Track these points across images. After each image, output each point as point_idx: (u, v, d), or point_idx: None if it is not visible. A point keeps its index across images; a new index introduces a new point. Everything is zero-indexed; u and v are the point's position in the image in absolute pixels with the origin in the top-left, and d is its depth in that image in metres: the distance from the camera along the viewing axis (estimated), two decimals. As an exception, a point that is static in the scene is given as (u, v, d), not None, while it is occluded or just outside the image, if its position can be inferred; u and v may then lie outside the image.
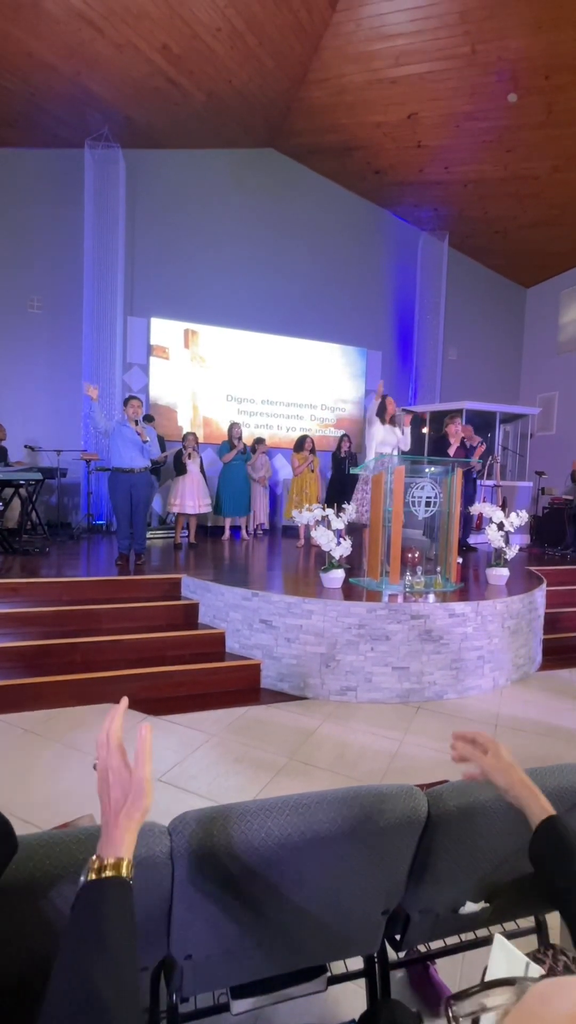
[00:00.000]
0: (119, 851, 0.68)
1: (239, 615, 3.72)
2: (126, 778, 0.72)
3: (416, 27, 5.58)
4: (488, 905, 1.14)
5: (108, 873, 0.66)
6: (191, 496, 5.87)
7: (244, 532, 6.83)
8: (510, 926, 1.33)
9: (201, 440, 8.04)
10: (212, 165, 7.84)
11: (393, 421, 4.78)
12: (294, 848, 0.93)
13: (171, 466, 6.35)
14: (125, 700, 0.79)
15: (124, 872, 0.67)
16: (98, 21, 5.24)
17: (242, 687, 3.53)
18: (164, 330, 7.86)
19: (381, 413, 4.74)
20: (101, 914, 0.61)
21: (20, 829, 0.80)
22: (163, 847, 0.87)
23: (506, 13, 5.29)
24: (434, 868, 1.06)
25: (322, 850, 0.96)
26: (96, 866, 0.67)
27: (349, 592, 3.82)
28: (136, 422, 4.52)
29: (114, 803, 0.71)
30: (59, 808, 2.21)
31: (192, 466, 5.94)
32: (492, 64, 5.85)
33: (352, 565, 4.34)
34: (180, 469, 5.94)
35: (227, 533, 6.71)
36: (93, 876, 0.66)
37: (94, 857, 0.68)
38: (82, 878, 0.67)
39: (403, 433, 4.77)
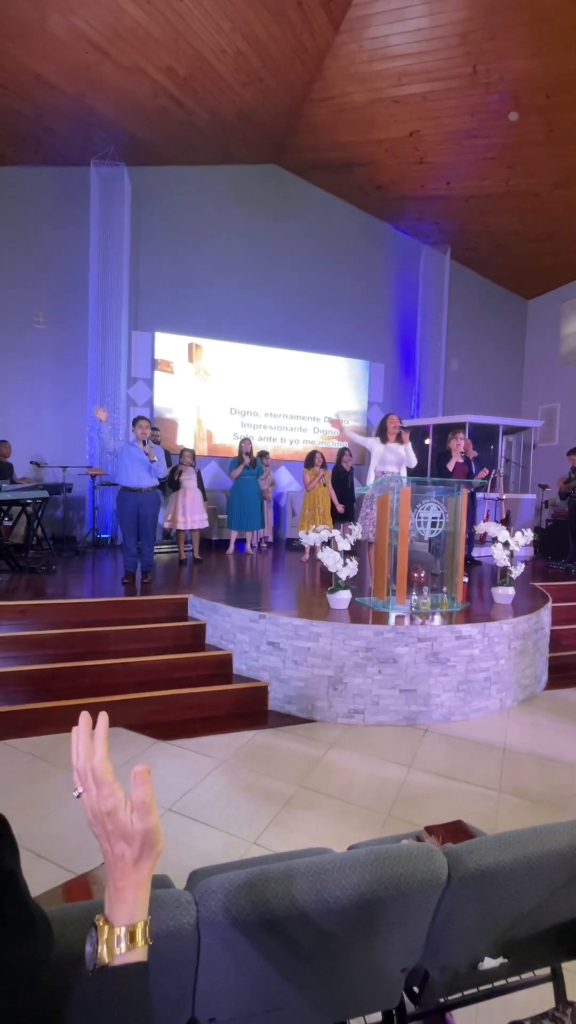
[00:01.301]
0: (132, 914, 0.60)
1: (246, 637, 3.72)
2: (127, 827, 0.59)
3: (418, 48, 5.65)
4: (506, 961, 1.14)
5: (123, 948, 0.58)
6: (183, 512, 5.90)
7: (248, 546, 6.85)
8: (526, 975, 1.34)
9: (204, 453, 8.09)
10: (215, 181, 7.92)
11: (399, 439, 4.79)
12: (317, 913, 0.95)
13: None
14: (104, 718, 0.64)
15: (139, 941, 0.59)
16: (104, 45, 5.32)
17: (250, 709, 3.53)
18: (168, 344, 7.91)
19: (382, 432, 4.75)
20: (126, 1015, 0.57)
21: (32, 862, 0.71)
22: (190, 918, 0.89)
23: (507, 35, 5.35)
24: (453, 927, 1.07)
25: (344, 913, 0.97)
26: (107, 936, 0.59)
27: (355, 612, 3.83)
28: (144, 442, 4.54)
29: (120, 857, 0.60)
30: (71, 842, 2.21)
31: (188, 481, 5.97)
32: (493, 84, 5.91)
33: (357, 584, 4.34)
34: (174, 485, 5.97)
35: (232, 547, 6.73)
36: (105, 955, 0.58)
37: (102, 923, 0.60)
38: (88, 948, 0.59)
39: (407, 451, 4.78)
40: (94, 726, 0.63)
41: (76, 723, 0.63)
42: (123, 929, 0.59)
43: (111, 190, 7.06)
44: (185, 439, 8.02)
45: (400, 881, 0.99)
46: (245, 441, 6.59)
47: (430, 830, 1.59)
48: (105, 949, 0.58)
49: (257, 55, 5.74)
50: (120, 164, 7.00)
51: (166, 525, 6.04)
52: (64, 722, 3.14)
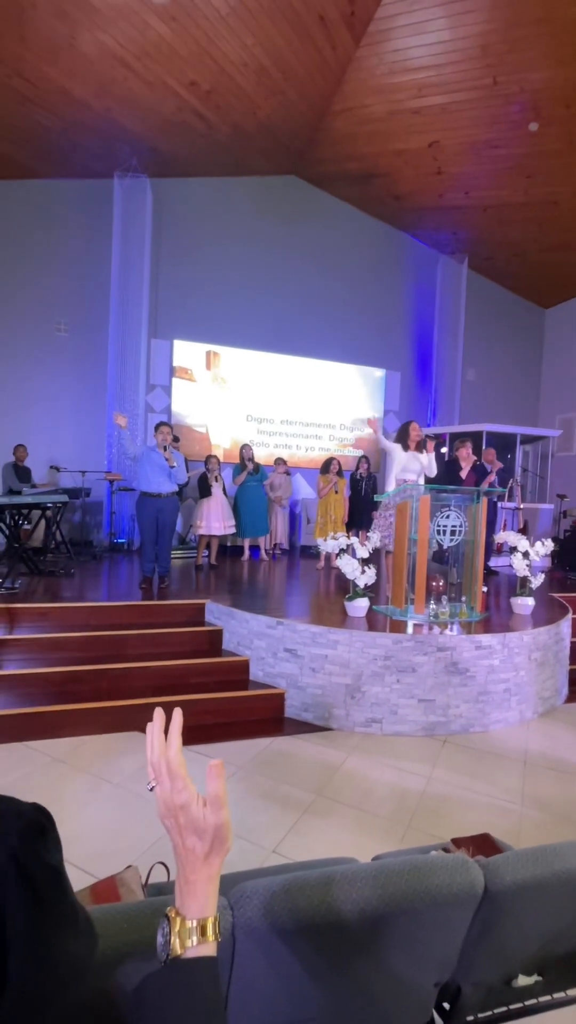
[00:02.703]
0: (204, 908, 0.60)
1: (263, 643, 3.72)
2: (199, 821, 0.60)
3: (438, 60, 5.69)
4: (541, 979, 1.12)
5: (194, 940, 0.59)
6: (217, 518, 5.92)
7: (263, 552, 6.85)
8: (559, 995, 1.30)
9: (221, 459, 8.13)
10: (235, 192, 8.02)
11: (419, 447, 4.77)
12: (353, 921, 0.94)
13: (195, 487, 6.42)
14: (179, 715, 0.65)
15: (210, 935, 0.60)
16: (131, 60, 5.44)
17: (266, 716, 3.52)
18: (187, 352, 7.99)
19: (403, 439, 4.73)
20: (197, 1008, 0.56)
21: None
22: (226, 923, 0.88)
23: (527, 46, 5.37)
24: (488, 942, 1.05)
25: (380, 922, 0.96)
26: (178, 928, 0.59)
27: (373, 620, 3.81)
28: (164, 448, 4.58)
29: (191, 851, 0.61)
30: (93, 845, 2.22)
31: (216, 488, 6.00)
32: (513, 95, 5.93)
33: (375, 592, 4.32)
34: (205, 491, 5.99)
35: (246, 553, 6.74)
36: (177, 946, 0.58)
37: (174, 915, 0.60)
38: (160, 940, 0.60)
39: (429, 460, 4.76)
40: (168, 723, 0.65)
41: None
42: (195, 922, 0.60)
43: (133, 201, 7.19)
44: (217, 444, 8.07)
45: (436, 892, 0.98)
46: (246, 447, 6.60)
47: (457, 842, 1.56)
48: (178, 941, 0.59)
49: (279, 69, 5.83)
50: (143, 176, 7.13)
51: (200, 531, 6.03)
52: (83, 725, 3.16)
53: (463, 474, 5.57)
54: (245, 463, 6.44)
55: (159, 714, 0.65)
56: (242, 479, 6.41)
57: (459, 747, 3.28)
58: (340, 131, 6.98)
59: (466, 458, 5.60)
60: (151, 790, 0.63)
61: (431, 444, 4.68)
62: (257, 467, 6.58)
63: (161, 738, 0.64)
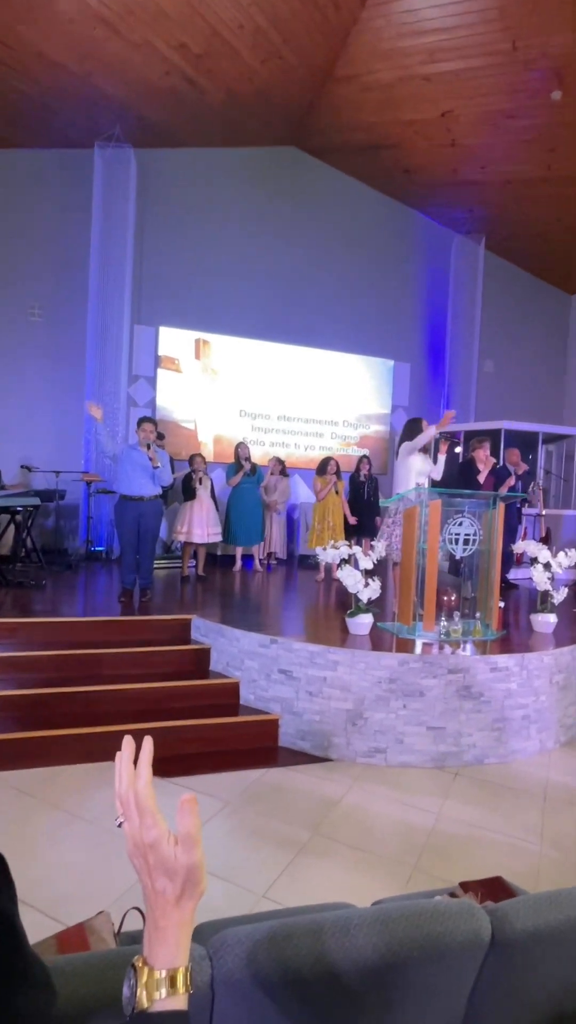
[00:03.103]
0: (174, 957, 0.60)
1: (256, 664, 3.72)
2: (170, 860, 0.61)
3: (452, 23, 5.76)
4: (554, 1037, 1.12)
5: (163, 993, 0.59)
6: (200, 524, 5.92)
7: (257, 562, 6.86)
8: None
9: (210, 459, 8.14)
10: (228, 164, 8.08)
11: (425, 448, 4.80)
12: (346, 973, 0.94)
13: (179, 489, 6.43)
14: (149, 743, 0.66)
15: (180, 987, 0.60)
16: (114, 20, 5.49)
17: (258, 745, 3.52)
18: (173, 340, 8.03)
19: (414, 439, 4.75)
20: None
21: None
22: (204, 975, 0.88)
23: (550, 7, 5.44)
24: (496, 995, 1.05)
25: (375, 974, 0.96)
26: (145, 980, 0.59)
27: (377, 639, 3.82)
28: (148, 446, 4.59)
29: (161, 893, 0.61)
30: (62, 888, 2.21)
31: (202, 491, 6.00)
32: (534, 61, 6.00)
33: (379, 607, 4.33)
34: (189, 494, 6.00)
35: (238, 563, 6.75)
36: (144, 999, 0.59)
37: (141, 964, 0.60)
38: (125, 991, 0.60)
39: (436, 461, 4.78)
40: (138, 751, 0.66)
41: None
42: (164, 972, 0.60)
43: (115, 173, 7.23)
44: (203, 442, 8.09)
45: (438, 941, 0.98)
46: (242, 445, 6.62)
47: (466, 886, 1.57)
48: (144, 993, 0.59)
49: (277, 31, 5.89)
50: (126, 146, 7.18)
51: (180, 538, 6.04)
52: (53, 754, 3.15)
53: (480, 477, 5.58)
54: (241, 463, 6.45)
55: (128, 742, 0.66)
56: (237, 480, 6.42)
57: (472, 780, 3.28)
58: (344, 99, 7.04)
59: (484, 460, 5.61)
60: (119, 826, 0.64)
61: (444, 444, 4.70)
62: (254, 468, 6.59)
63: (130, 768, 0.65)
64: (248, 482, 6.52)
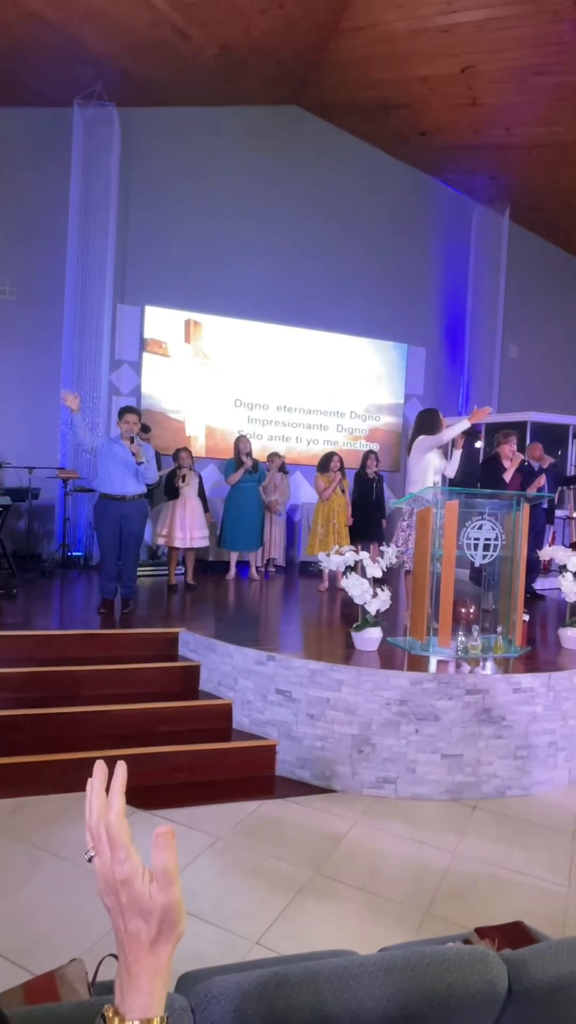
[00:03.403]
0: (148, 1006, 0.61)
1: (250, 683, 3.73)
2: (144, 899, 0.61)
3: (473, -32, 5.78)
4: None
5: None
6: (182, 526, 5.91)
7: (253, 570, 6.87)
8: None
9: (202, 454, 8.16)
10: (223, 125, 8.10)
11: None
12: (342, 1029, 0.94)
13: (162, 486, 6.45)
14: (123, 768, 0.66)
15: None
16: (95, -35, 5.51)
17: (253, 774, 3.53)
18: (161, 321, 8.04)
19: (435, 432, 4.74)
20: None
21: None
22: (185, 1029, 0.88)
23: (582, -48, 5.45)
24: (513, 1055, 1.05)
25: (376, 1031, 0.96)
26: None
27: (386, 656, 3.82)
28: (131, 439, 4.60)
29: (134, 935, 0.61)
30: (31, 933, 2.22)
31: (187, 489, 6.00)
32: (565, 10, 6.02)
33: (389, 621, 4.33)
34: (172, 493, 6.00)
35: (232, 571, 6.76)
36: None
37: (112, 1015, 0.61)
38: None
39: (451, 456, 4.79)
40: (110, 778, 0.66)
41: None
42: (136, 1023, 0.60)
43: (97, 135, 7.25)
44: (192, 435, 8.11)
45: (448, 992, 0.98)
46: (243, 439, 6.62)
47: (482, 933, 1.57)
48: None
49: (277, -24, 5.91)
50: (109, 105, 7.20)
51: (160, 542, 6.06)
52: (22, 783, 3.15)
53: (506, 476, 5.59)
54: (241, 459, 6.46)
55: (100, 768, 0.67)
56: (237, 478, 6.43)
57: (492, 814, 3.28)
58: (352, 53, 7.06)
59: (510, 456, 5.62)
60: (89, 860, 0.64)
61: (461, 438, 4.70)
62: (255, 465, 6.60)
63: (101, 797, 0.65)
64: (249, 480, 6.53)
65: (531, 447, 6.59)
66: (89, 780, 0.66)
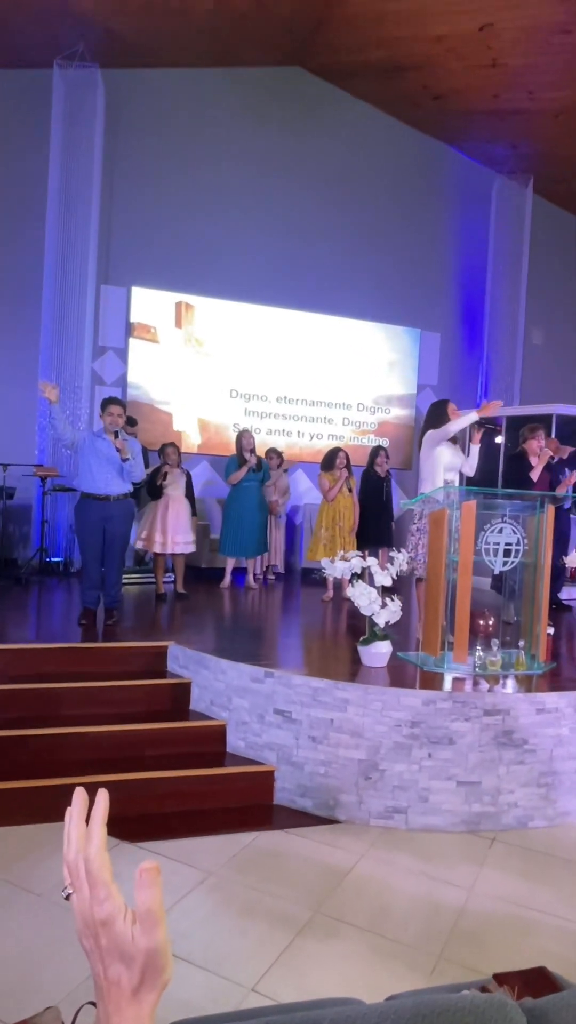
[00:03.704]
0: None
1: (246, 702, 3.73)
2: (126, 942, 0.60)
3: None
4: None
5: None
6: (163, 529, 5.89)
7: (251, 577, 6.87)
8: None
9: (193, 450, 8.17)
10: (217, 88, 8.13)
11: (454, 439, 4.80)
12: None
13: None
14: (104, 797, 0.67)
15: None
16: None
17: (249, 803, 3.52)
18: (149, 303, 8.06)
19: (440, 426, 4.75)
20: None
21: None
22: None
23: None
24: None
25: None
26: None
27: (397, 672, 3.82)
28: (115, 434, 4.60)
29: (115, 982, 0.61)
30: (3, 978, 2.21)
31: (172, 489, 6.00)
32: (594, -38, 6.03)
33: (400, 634, 4.33)
34: (154, 492, 6.00)
35: (227, 579, 6.76)
36: None
37: None
38: None
39: (469, 453, 4.79)
40: (91, 807, 0.65)
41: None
42: None
43: (79, 99, 7.27)
44: (180, 430, 8.12)
45: (462, 1045, 0.98)
46: (246, 434, 6.63)
47: (501, 979, 1.57)
48: None
49: None
50: (92, 66, 7.22)
51: (139, 545, 6.07)
52: (-4, 812, 3.15)
53: (534, 474, 5.59)
54: (244, 456, 6.47)
55: (80, 796, 0.66)
56: (240, 477, 6.44)
57: (513, 848, 3.27)
58: (361, 10, 7.07)
59: (537, 452, 5.62)
60: (66, 898, 0.64)
61: (478, 432, 4.70)
62: (260, 462, 6.61)
63: (80, 828, 0.64)
64: (251, 480, 6.53)
65: (547, 441, 6.59)
66: (68, 809, 0.66)
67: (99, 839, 0.64)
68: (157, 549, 5.93)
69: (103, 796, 0.67)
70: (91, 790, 0.66)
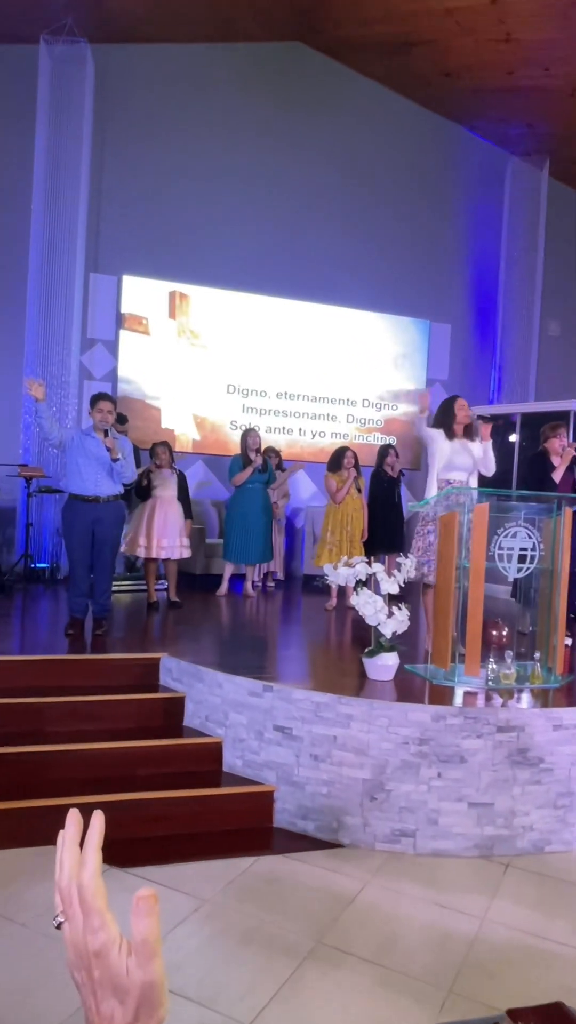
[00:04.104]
0: None
1: (244, 718, 3.72)
2: (121, 975, 0.60)
3: None
4: None
5: None
6: (148, 532, 5.88)
7: (249, 585, 6.87)
8: None
9: (189, 449, 8.18)
10: (214, 65, 8.15)
11: (468, 433, 4.80)
12: None
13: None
14: (100, 819, 0.65)
15: None
16: None
17: (246, 825, 3.51)
18: (141, 293, 8.08)
19: (446, 421, 4.76)
20: None
21: None
22: None
23: None
24: None
25: None
26: None
27: (404, 686, 3.81)
28: (105, 432, 4.61)
29: (108, 1018, 0.60)
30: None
31: (163, 490, 6.00)
32: None
33: (408, 645, 4.33)
34: (141, 493, 6.01)
35: (224, 586, 6.76)
36: None
37: None
38: None
39: (484, 451, 4.78)
40: (85, 829, 0.65)
41: None
42: None
43: (66, 76, 7.29)
44: (169, 427, 8.13)
45: None
46: (252, 433, 6.64)
47: (515, 1015, 1.56)
48: None
49: None
50: (81, 41, 7.24)
51: (122, 549, 6.04)
52: (-23, 835, 3.14)
53: (556, 475, 5.59)
54: (249, 456, 6.48)
55: (73, 818, 0.66)
56: (245, 478, 6.45)
57: (528, 873, 3.26)
58: (365, -20, 7.10)
59: (560, 452, 5.63)
60: (58, 927, 0.63)
61: (487, 428, 4.70)
62: (265, 463, 6.62)
63: (74, 853, 0.64)
64: (255, 481, 6.54)
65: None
66: (60, 832, 0.66)
67: (94, 865, 0.63)
68: (141, 553, 5.93)
69: (98, 819, 0.66)
70: (79, 811, 0.66)
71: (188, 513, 6.28)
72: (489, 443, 4.74)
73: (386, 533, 6.60)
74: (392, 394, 9.15)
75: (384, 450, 6.97)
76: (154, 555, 5.94)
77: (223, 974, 2.47)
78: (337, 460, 6.42)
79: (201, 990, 2.37)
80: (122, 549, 6.06)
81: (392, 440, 8.58)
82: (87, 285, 7.76)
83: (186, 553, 6.12)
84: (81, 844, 0.65)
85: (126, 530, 6.04)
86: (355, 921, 2.82)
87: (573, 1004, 1.62)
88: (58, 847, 0.65)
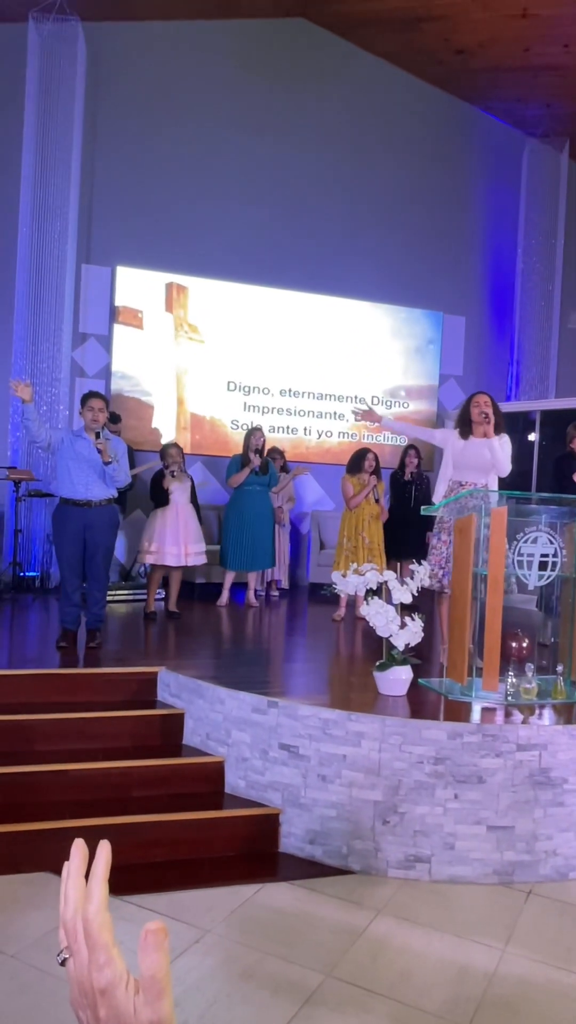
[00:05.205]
0: None
1: (247, 735, 3.71)
2: (128, 1014, 0.61)
3: None
4: None
5: None
6: (174, 540, 5.92)
7: (251, 594, 6.87)
8: None
9: (187, 450, 8.18)
10: (212, 43, 8.18)
11: (498, 430, 4.77)
12: None
13: (139, 493, 6.46)
14: (106, 850, 0.66)
15: None
16: None
17: (250, 850, 3.50)
18: (136, 285, 8.10)
19: (463, 423, 4.74)
20: None
21: None
22: None
23: None
24: None
25: None
26: None
27: (418, 702, 3.80)
28: (97, 434, 4.61)
29: None
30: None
31: (178, 495, 6.02)
32: None
33: (422, 657, 4.32)
34: (159, 499, 6.02)
35: (225, 595, 6.76)
36: None
37: None
38: None
39: (491, 450, 4.76)
40: (91, 859, 0.65)
41: None
42: None
43: (57, 55, 7.32)
44: (157, 428, 8.14)
45: None
46: (256, 433, 6.65)
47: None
48: None
49: None
50: (72, 18, 7.28)
51: (149, 559, 6.03)
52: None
53: None
54: (250, 456, 6.48)
55: (79, 848, 0.66)
56: (241, 479, 6.45)
57: (551, 902, 3.24)
58: (373, -48, 7.12)
59: None
60: (62, 964, 0.64)
61: (488, 426, 4.69)
62: (265, 464, 6.62)
63: (79, 885, 0.64)
64: (256, 483, 6.54)
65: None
66: (65, 864, 0.66)
67: (100, 897, 0.63)
68: (171, 562, 5.93)
69: (104, 849, 0.66)
70: (71, 836, 0.66)
71: (199, 517, 6.33)
72: (494, 441, 4.67)
73: (404, 539, 6.58)
74: (404, 390, 9.15)
75: (405, 453, 7.01)
76: (183, 563, 5.96)
77: (225, 1010, 2.46)
78: (357, 463, 6.40)
79: (203, 1027, 2.37)
80: (149, 559, 6.02)
81: (410, 442, 8.58)
82: (79, 277, 7.79)
83: (203, 559, 6.16)
84: (86, 875, 0.65)
85: (144, 539, 6.05)
86: (366, 953, 2.80)
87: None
88: (63, 879, 0.65)
